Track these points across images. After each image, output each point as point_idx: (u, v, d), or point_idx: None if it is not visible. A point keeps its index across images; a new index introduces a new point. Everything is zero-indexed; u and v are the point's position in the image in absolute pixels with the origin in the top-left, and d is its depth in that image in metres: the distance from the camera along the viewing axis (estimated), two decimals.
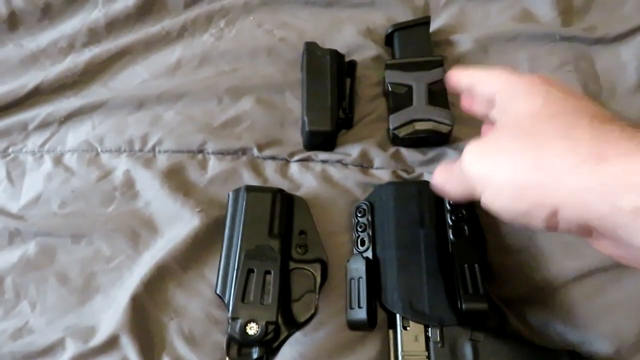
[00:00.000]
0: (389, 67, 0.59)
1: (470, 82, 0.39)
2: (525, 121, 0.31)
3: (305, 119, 0.56)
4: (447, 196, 0.41)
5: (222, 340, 0.48)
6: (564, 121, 0.29)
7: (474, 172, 0.33)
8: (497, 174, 0.31)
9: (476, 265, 0.47)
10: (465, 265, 0.47)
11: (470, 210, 0.52)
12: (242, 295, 0.47)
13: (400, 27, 0.62)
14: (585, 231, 0.29)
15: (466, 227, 0.50)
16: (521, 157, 0.29)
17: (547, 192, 0.28)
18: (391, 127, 0.56)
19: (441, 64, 0.58)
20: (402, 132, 0.55)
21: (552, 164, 0.28)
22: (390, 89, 0.58)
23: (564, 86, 0.33)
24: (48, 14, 0.70)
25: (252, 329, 0.45)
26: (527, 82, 0.34)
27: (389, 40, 0.63)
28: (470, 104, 0.42)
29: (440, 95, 0.57)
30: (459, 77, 0.40)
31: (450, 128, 0.55)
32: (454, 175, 0.37)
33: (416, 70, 0.58)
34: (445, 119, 0.55)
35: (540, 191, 0.28)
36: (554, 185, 0.28)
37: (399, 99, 0.57)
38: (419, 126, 0.55)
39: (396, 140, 0.57)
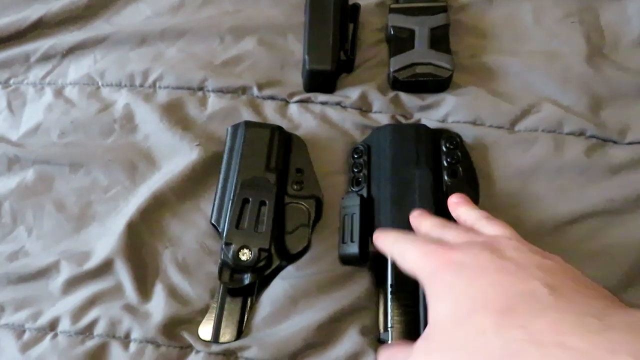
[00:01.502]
0: (392, 10, 0.59)
1: (390, 253, 0.41)
2: (443, 333, 0.32)
3: (306, 57, 0.56)
4: None
5: (216, 270, 0.48)
6: (471, 335, 0.30)
7: None
8: None
9: None
10: None
11: (465, 154, 0.52)
12: (237, 222, 0.47)
13: None
14: None
15: (460, 169, 0.51)
16: None
17: None
18: (391, 69, 0.56)
19: (445, 9, 0.58)
20: (402, 75, 0.55)
21: None
22: (392, 33, 0.58)
23: (470, 266, 0.33)
24: None
25: (245, 255, 0.46)
26: (433, 274, 0.34)
27: None
28: None
29: (442, 41, 0.57)
30: (379, 243, 0.43)
31: (451, 73, 0.55)
32: None
33: (419, 14, 0.58)
34: (446, 63, 0.55)
35: None
36: None
37: (400, 43, 0.57)
38: (420, 69, 0.55)
39: (396, 84, 0.57)
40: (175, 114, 0.58)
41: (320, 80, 0.57)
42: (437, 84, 0.56)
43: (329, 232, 0.51)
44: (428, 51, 0.56)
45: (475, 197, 0.49)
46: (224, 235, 0.47)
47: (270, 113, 0.58)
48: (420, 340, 0.33)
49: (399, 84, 0.56)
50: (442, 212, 0.47)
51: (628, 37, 0.58)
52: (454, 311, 0.31)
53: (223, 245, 0.47)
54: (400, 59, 0.56)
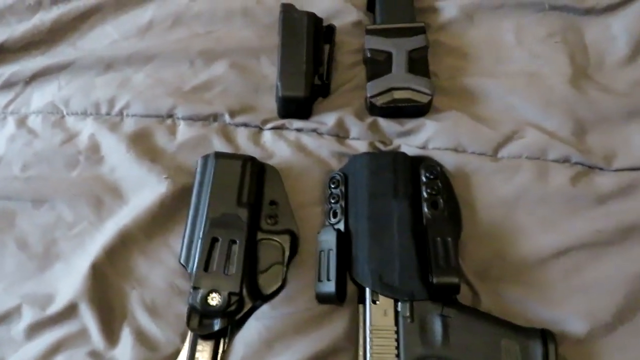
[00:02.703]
0: (369, 32, 0.57)
1: None
2: None
3: (279, 84, 0.53)
4: None
5: (185, 311, 0.46)
6: None
7: None
8: None
9: (449, 238, 0.45)
10: (438, 239, 0.45)
11: (447, 183, 0.50)
12: (206, 265, 0.45)
13: None
14: None
15: (441, 200, 0.48)
16: None
17: None
18: (368, 95, 0.54)
19: (423, 30, 0.56)
20: (379, 101, 0.53)
21: None
22: (369, 56, 0.56)
23: None
24: None
25: (214, 300, 0.44)
26: None
27: (370, 6, 0.61)
28: None
29: (420, 64, 0.54)
30: None
31: (430, 98, 0.53)
32: None
33: (397, 36, 0.55)
34: (425, 88, 0.53)
35: None
36: None
37: (378, 66, 0.55)
38: (398, 95, 0.53)
39: (374, 109, 0.54)
40: (143, 144, 0.55)
41: (294, 107, 0.55)
42: (416, 110, 0.54)
43: (305, 268, 0.48)
44: (406, 75, 0.53)
45: (457, 230, 0.47)
46: (192, 279, 0.45)
47: (243, 141, 0.55)
48: None
49: (377, 109, 0.54)
50: (421, 246, 0.45)
51: (613, 56, 0.56)
52: None
53: (191, 290, 0.44)
54: (378, 83, 0.53)
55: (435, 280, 0.43)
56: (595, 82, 0.55)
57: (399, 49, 0.55)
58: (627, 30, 0.56)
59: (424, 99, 0.53)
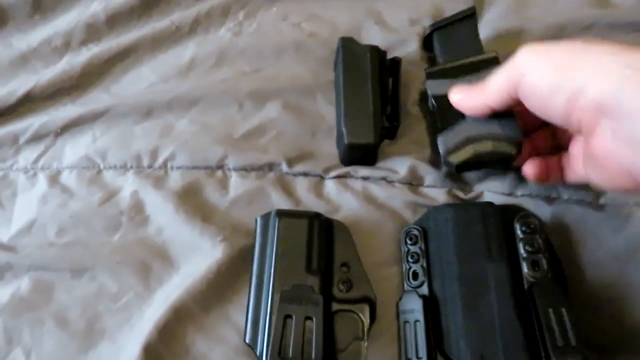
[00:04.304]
0: (430, 75, 0.49)
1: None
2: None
3: (344, 129, 0.47)
4: (463, 110, 0.43)
5: None
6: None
7: (525, 58, 0.37)
8: (542, 61, 0.36)
9: (563, 309, 0.38)
10: (550, 310, 0.39)
11: (546, 239, 0.43)
12: (279, 349, 0.39)
13: (439, 26, 0.52)
14: (594, 120, 0.34)
15: (544, 260, 0.42)
16: (562, 53, 0.35)
17: (577, 72, 0.34)
18: (441, 152, 0.45)
19: (497, 61, 0.48)
20: (457, 158, 0.44)
21: (586, 57, 0.33)
22: (435, 104, 0.47)
23: None
24: (40, 8, 0.62)
25: None
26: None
27: (427, 44, 0.54)
28: None
29: None
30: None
31: (520, 145, 0.43)
32: (474, 94, 0.42)
33: (466, 73, 0.47)
34: (511, 131, 0.43)
35: (572, 71, 0.34)
36: (584, 71, 0.33)
37: (448, 114, 0.45)
38: (478, 148, 0.43)
39: (450, 168, 0.46)
40: (192, 201, 0.49)
41: (361, 154, 0.48)
42: (503, 161, 0.44)
43: (385, 340, 0.43)
44: (484, 120, 0.43)
45: (564, 295, 0.40)
46: None
47: (304, 193, 0.49)
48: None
49: (454, 167, 0.45)
50: (525, 316, 0.39)
51: None
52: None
53: None
54: (451, 135, 0.45)
55: None
56: None
57: None
58: None
59: (512, 150, 0.43)
